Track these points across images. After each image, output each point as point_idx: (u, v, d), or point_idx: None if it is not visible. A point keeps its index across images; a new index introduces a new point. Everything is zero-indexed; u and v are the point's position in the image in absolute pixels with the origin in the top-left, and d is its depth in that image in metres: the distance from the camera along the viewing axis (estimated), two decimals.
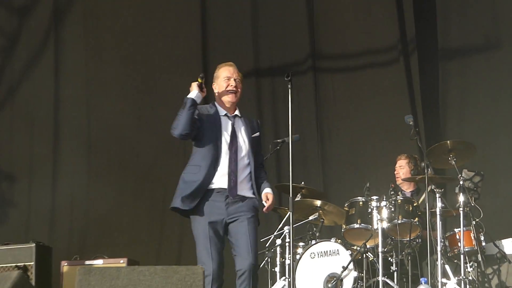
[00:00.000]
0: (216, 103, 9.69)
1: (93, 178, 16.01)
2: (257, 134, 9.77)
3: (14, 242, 14.19)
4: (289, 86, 9.24)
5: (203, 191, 9.49)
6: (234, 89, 9.54)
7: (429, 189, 11.69)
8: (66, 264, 13.88)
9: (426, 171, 11.62)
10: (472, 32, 15.00)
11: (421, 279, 10.99)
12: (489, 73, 14.54)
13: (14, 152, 16.51)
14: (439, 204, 11.42)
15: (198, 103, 9.42)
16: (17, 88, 16.46)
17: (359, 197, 12.16)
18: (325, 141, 15.28)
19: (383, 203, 11.81)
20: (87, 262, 13.55)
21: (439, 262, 11.33)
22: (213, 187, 9.47)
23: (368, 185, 12.22)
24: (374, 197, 11.94)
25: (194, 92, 9.41)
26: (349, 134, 15.20)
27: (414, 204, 11.93)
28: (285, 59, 15.71)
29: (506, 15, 14.77)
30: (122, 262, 13.35)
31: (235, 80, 9.55)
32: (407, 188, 12.86)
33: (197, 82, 9.43)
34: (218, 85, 9.60)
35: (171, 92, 15.55)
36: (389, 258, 11.77)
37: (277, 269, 12.23)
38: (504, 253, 11.87)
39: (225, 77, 9.57)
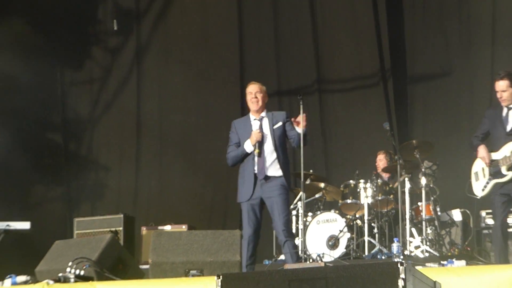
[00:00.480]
0: (250, 113, 10.00)
1: (164, 167, 16.36)
2: (279, 124, 9.80)
3: (109, 214, 14.39)
4: (301, 103, 9.59)
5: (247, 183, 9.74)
6: (254, 99, 9.77)
7: (401, 177, 12.12)
8: (144, 229, 14.41)
9: (398, 162, 11.96)
10: (431, 62, 15.05)
11: (394, 239, 11.51)
12: (444, 93, 14.69)
13: (109, 150, 16.95)
14: (407, 185, 12.06)
15: (248, 153, 9.73)
16: (110, 106, 16.80)
17: (351, 181, 12.88)
18: (328, 141, 15.35)
19: (368, 185, 12.57)
20: (159, 227, 13.98)
21: (407, 227, 11.84)
22: (253, 172, 9.69)
23: (357, 172, 12.88)
24: (362, 181, 12.66)
25: (249, 148, 9.71)
26: (345, 136, 15.29)
27: (390, 186, 12.75)
28: (299, 83, 15.75)
29: (456, 48, 14.85)
30: (183, 228, 13.71)
31: (255, 93, 9.77)
32: (385, 175, 13.32)
33: (256, 150, 9.57)
34: (247, 100, 9.98)
35: (221, 102, 16.02)
36: (372, 224, 12.55)
37: (293, 231, 12.27)
38: (453, 219, 12.52)
39: (248, 93, 9.89)
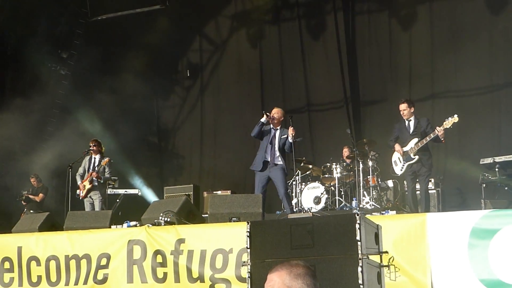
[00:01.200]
0: (272, 125, 9.97)
1: (216, 156, 16.24)
2: (285, 136, 9.79)
3: (184, 184, 14.63)
4: (291, 121, 10.10)
5: (262, 162, 9.89)
6: (273, 120, 9.89)
7: (357, 162, 11.95)
8: (205, 193, 14.31)
9: (355, 152, 12.04)
10: (374, 92, 14.75)
11: (353, 198, 11.87)
12: (381, 111, 14.39)
13: (184, 146, 17.00)
14: (361, 166, 11.92)
15: (264, 123, 9.92)
16: (185, 121, 16.93)
17: (327, 163, 12.70)
18: (313, 140, 15.15)
19: (338, 165, 12.43)
20: (214, 192, 13.75)
21: (361, 191, 11.83)
22: (265, 160, 9.85)
23: (331, 158, 12.71)
24: (334, 163, 12.46)
25: (263, 118, 9.88)
26: (324, 138, 15.01)
27: (350, 166, 12.51)
28: (295, 105, 15.33)
29: (388, 85, 14.60)
30: (228, 192, 13.47)
31: (273, 115, 9.92)
32: (348, 160, 12.90)
33: (264, 116, 9.89)
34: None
35: (249, 117, 14.51)
36: (340, 189, 12.28)
37: (293, 195, 12.63)
38: (388, 186, 12.49)
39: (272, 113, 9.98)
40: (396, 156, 10.05)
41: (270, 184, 10.06)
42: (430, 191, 11.28)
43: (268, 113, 9.98)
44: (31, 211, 13.31)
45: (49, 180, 14.38)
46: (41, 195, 13.91)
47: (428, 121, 9.88)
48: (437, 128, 9.34)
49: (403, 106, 9.92)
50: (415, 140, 9.69)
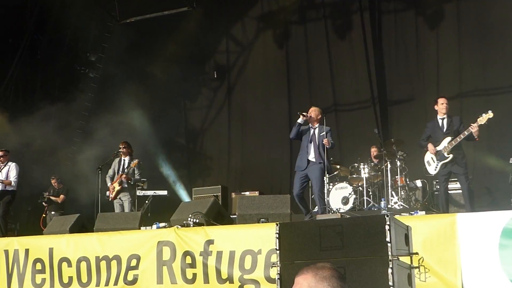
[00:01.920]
0: (310, 124, 10.07)
1: (244, 158, 16.24)
2: (323, 133, 9.87)
3: (212, 185, 14.67)
4: (324, 121, 10.02)
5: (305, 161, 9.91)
6: (309, 116, 9.97)
7: (385, 162, 11.90)
8: (233, 194, 14.35)
9: (383, 152, 12.00)
10: (401, 92, 14.60)
11: (382, 198, 11.64)
12: (409, 110, 14.33)
13: (212, 147, 16.93)
14: (389, 166, 11.81)
15: (301, 124, 10.02)
16: (212, 121, 16.95)
17: (355, 163, 12.56)
18: (341, 141, 14.70)
19: (366, 166, 12.28)
20: (242, 193, 13.66)
21: (389, 191, 11.67)
22: (308, 159, 9.88)
23: (359, 158, 12.59)
24: (362, 163, 12.32)
25: (300, 119, 9.97)
26: (352, 137, 14.79)
27: (378, 166, 12.33)
28: (324, 104, 14.02)
29: (415, 84, 14.45)
30: (256, 193, 13.43)
31: (310, 114, 9.98)
32: (376, 160, 12.73)
33: (301, 117, 9.96)
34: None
35: (276, 116, 15.75)
36: (368, 189, 12.18)
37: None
38: (417, 186, 12.20)
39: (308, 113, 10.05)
40: (429, 156, 9.75)
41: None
42: (459, 191, 11.17)
43: (304, 113, 10.05)
44: (53, 212, 13.67)
45: (78, 182, 14.49)
46: (62, 196, 14.07)
47: (460, 119, 9.69)
48: (472, 125, 9.12)
49: (443, 100, 9.73)
50: (449, 138, 9.47)
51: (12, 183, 11.75)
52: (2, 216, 11.62)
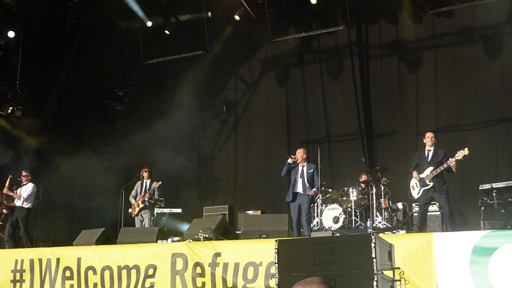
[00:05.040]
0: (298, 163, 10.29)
1: (248, 181, 16.04)
2: (311, 170, 10.24)
3: (220, 205, 14.56)
4: (319, 151, 10.55)
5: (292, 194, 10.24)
6: (297, 159, 10.27)
7: (371, 187, 11.74)
8: (239, 213, 14.21)
9: (369, 178, 11.82)
10: (385, 126, 14.50)
11: (368, 218, 11.41)
12: (392, 142, 14.23)
13: (214, 170, 16.82)
14: (374, 190, 11.60)
15: (290, 164, 10.26)
16: (221, 148, 16.74)
17: (345, 187, 12.39)
18: (332, 168, 14.69)
19: (354, 190, 12.06)
20: (246, 212, 13.61)
21: (374, 212, 11.58)
22: (295, 191, 10.20)
23: (348, 183, 12.35)
24: (351, 188, 12.11)
25: (289, 160, 10.25)
26: (342, 165, 14.58)
27: (365, 190, 12.14)
28: (315, 136, 15.05)
29: (397, 119, 14.30)
30: (259, 212, 13.44)
31: (296, 155, 10.29)
32: (363, 185, 12.32)
33: (289, 159, 10.25)
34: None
35: (276, 147, 15.43)
36: (356, 210, 11.98)
37: (315, 214, 12.27)
38: (398, 208, 12.08)
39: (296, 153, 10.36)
40: (413, 182, 9.74)
41: None
42: (435, 213, 11.24)
43: (292, 156, 10.30)
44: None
45: (104, 200, 14.48)
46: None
47: (445, 153, 9.62)
48: (450, 159, 9.14)
49: (431, 134, 9.74)
50: (431, 168, 9.43)
51: (22, 198, 11.30)
52: (25, 231, 11.27)
